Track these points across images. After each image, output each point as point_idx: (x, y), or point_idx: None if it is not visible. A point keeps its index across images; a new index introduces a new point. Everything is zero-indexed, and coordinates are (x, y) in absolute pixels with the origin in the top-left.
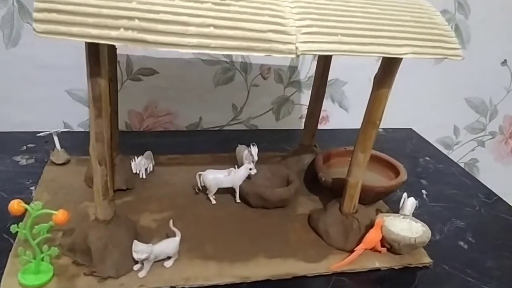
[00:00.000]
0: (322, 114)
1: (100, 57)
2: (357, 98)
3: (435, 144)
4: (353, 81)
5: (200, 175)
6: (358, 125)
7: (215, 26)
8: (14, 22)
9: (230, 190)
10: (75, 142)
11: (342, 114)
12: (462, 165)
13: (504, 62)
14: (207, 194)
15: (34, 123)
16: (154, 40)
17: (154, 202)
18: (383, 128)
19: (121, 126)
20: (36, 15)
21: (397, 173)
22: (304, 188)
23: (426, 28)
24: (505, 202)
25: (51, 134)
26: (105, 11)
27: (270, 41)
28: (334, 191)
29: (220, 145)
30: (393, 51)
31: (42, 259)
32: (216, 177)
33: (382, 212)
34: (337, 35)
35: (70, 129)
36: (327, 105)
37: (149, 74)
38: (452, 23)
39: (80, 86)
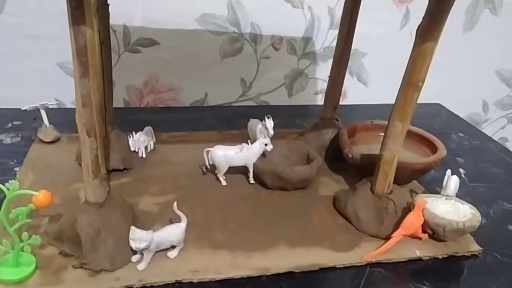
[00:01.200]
0: None
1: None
2: (378, 71)
3: None
4: (373, 52)
5: (208, 152)
6: (378, 101)
7: None
8: None
9: (243, 169)
10: (66, 118)
11: (361, 89)
12: None
13: None
14: (216, 174)
15: (22, 99)
16: None
17: (156, 184)
18: None
19: (119, 103)
20: None
21: (433, 149)
22: (326, 167)
23: None
24: None
25: (37, 108)
26: None
27: None
28: (363, 170)
29: (228, 122)
30: None
31: (22, 249)
32: (226, 154)
33: (417, 194)
34: None
35: (61, 104)
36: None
37: (149, 45)
38: None
39: None
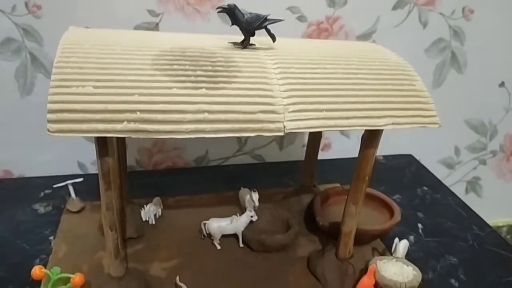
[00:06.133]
0: (325, 141)
1: (107, 141)
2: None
3: (437, 165)
4: None
5: (205, 224)
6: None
7: (209, 112)
8: (28, 73)
9: (234, 234)
10: (88, 185)
11: (344, 141)
12: (464, 183)
13: (502, 84)
14: (212, 240)
15: (50, 163)
16: (154, 129)
17: (163, 250)
18: (383, 156)
19: (132, 163)
20: (49, 116)
21: (391, 211)
22: (304, 228)
23: (407, 97)
24: (498, 234)
25: (66, 185)
26: (110, 106)
27: (261, 121)
28: (332, 234)
29: (225, 182)
30: (374, 123)
31: None
32: (219, 226)
33: (378, 251)
34: (322, 111)
35: (83, 168)
36: (329, 133)
37: None
38: (448, 50)
39: None
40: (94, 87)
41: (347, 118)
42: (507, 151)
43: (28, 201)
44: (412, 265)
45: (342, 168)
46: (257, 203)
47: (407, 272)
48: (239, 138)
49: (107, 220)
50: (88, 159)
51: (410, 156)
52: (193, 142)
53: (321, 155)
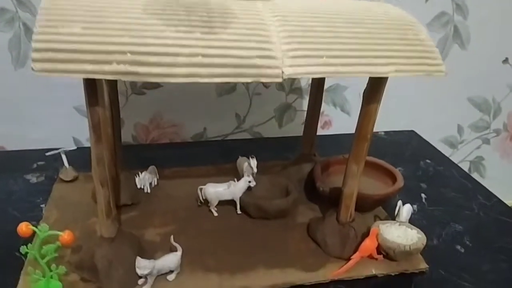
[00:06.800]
0: (325, 119)
1: (97, 88)
2: (358, 102)
3: (439, 144)
4: (353, 85)
5: (201, 189)
6: None
7: (204, 55)
8: (21, 44)
9: (231, 201)
10: (83, 158)
11: (345, 118)
12: (467, 163)
13: (506, 60)
14: (209, 207)
15: (45, 139)
16: (145, 71)
17: (158, 217)
18: (385, 132)
19: (128, 139)
20: (34, 55)
21: (394, 179)
22: (304, 197)
23: (411, 46)
24: (504, 203)
25: (59, 153)
26: (99, 47)
27: (258, 66)
28: (332, 200)
29: (224, 155)
30: (377, 70)
31: (51, 277)
32: (216, 191)
33: (380, 219)
34: (322, 57)
35: (78, 145)
36: (329, 110)
37: (153, 88)
38: (450, 24)
39: None
40: (83, 28)
41: (349, 65)
42: (511, 130)
43: (21, 172)
44: (416, 228)
45: (343, 143)
46: (255, 170)
47: (411, 235)
48: (237, 115)
49: (97, 175)
50: (83, 135)
51: (412, 131)
52: (191, 118)
53: (322, 133)
